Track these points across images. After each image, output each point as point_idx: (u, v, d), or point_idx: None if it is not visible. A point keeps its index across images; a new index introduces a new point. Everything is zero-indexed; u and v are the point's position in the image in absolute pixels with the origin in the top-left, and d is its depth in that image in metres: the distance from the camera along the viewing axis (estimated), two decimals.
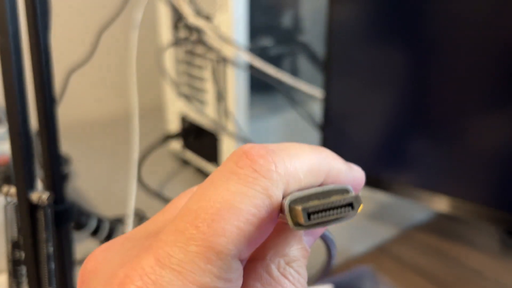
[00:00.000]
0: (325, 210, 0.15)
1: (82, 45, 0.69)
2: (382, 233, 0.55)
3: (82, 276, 0.17)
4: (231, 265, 0.16)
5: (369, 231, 0.55)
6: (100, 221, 0.51)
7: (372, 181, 0.53)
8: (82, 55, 0.64)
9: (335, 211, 0.15)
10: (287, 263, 0.18)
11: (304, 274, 0.18)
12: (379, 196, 0.61)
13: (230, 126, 0.62)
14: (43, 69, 0.30)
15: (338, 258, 0.50)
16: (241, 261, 0.16)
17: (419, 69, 0.47)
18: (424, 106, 0.47)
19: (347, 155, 0.53)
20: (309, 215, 0.15)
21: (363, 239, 0.53)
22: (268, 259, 0.18)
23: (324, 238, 0.24)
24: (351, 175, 0.19)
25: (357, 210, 0.15)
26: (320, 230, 0.20)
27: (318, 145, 0.62)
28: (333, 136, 0.54)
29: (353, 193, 0.16)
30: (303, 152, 0.18)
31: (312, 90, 0.62)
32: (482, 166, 0.45)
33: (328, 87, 0.53)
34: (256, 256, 0.18)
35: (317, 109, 0.63)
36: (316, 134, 0.63)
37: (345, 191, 0.16)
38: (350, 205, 0.15)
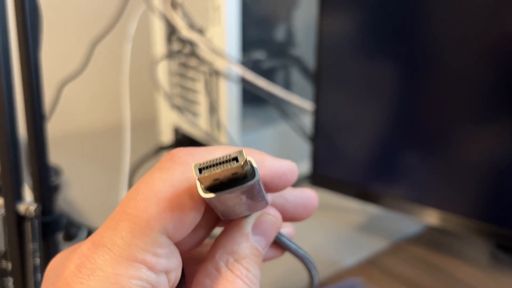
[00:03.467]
0: (213, 165, 0.17)
1: (76, 56, 0.69)
2: (372, 245, 0.55)
3: (44, 276, 0.19)
4: (157, 239, 0.17)
5: (359, 243, 0.55)
6: (90, 232, 0.51)
7: (362, 194, 0.53)
8: (75, 66, 0.65)
9: (222, 165, 0.17)
10: (236, 260, 0.20)
11: (255, 272, 0.20)
12: (369, 209, 0.62)
13: (223, 138, 0.62)
14: (33, 81, 0.30)
15: (328, 270, 0.50)
16: (172, 239, 0.18)
17: (409, 82, 0.47)
18: (414, 120, 0.48)
19: (337, 167, 0.54)
20: (200, 171, 0.17)
21: (353, 251, 0.54)
22: (217, 257, 0.20)
23: (302, 259, 0.24)
24: (277, 164, 0.21)
25: (242, 164, 0.17)
26: (270, 229, 0.21)
27: (309, 157, 0.61)
28: (323, 148, 0.55)
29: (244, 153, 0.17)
30: (223, 148, 0.20)
31: (304, 103, 0.62)
32: (472, 180, 0.46)
33: (318, 99, 0.54)
34: (207, 257, 0.20)
35: (308, 122, 0.63)
36: (307, 146, 0.64)
37: (238, 152, 0.17)
38: (235, 159, 0.17)
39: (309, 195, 0.24)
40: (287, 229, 0.26)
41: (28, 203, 0.30)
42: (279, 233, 0.23)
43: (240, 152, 0.17)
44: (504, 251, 0.52)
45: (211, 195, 0.17)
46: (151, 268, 0.17)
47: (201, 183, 0.17)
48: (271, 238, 0.22)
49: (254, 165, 0.18)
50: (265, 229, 0.21)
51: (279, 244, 0.24)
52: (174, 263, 0.18)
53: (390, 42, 0.48)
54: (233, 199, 0.18)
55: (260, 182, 0.18)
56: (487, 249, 0.54)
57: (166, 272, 0.18)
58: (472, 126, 0.45)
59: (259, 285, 0.20)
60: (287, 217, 0.24)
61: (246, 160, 0.17)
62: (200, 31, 0.61)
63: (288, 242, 0.24)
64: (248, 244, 0.20)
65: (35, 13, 0.31)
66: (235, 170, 0.17)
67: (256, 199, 0.19)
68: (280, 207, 0.23)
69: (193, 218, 0.18)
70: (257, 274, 0.20)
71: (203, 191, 0.17)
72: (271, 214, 0.22)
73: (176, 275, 0.19)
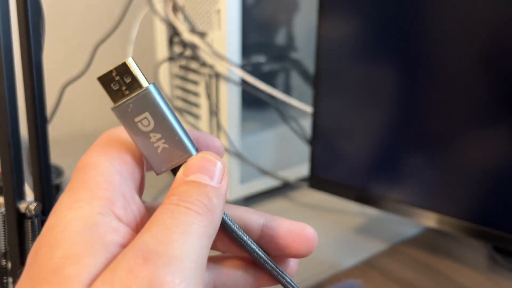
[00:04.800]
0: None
1: (79, 58, 0.70)
2: (371, 247, 0.55)
3: None
4: (105, 176, 0.18)
5: (357, 245, 0.55)
6: None
7: (360, 197, 0.53)
8: (78, 68, 0.65)
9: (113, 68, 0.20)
10: (173, 194, 0.19)
11: (189, 197, 0.19)
12: (368, 210, 0.62)
13: (223, 140, 0.62)
14: (35, 81, 0.31)
15: (327, 272, 0.51)
16: (122, 175, 0.19)
17: (407, 87, 0.48)
18: (412, 123, 0.48)
19: (336, 170, 0.54)
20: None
21: (352, 253, 0.54)
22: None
23: None
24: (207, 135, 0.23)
25: (123, 62, 0.20)
26: (205, 164, 0.20)
27: (308, 160, 0.61)
28: (322, 151, 0.55)
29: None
30: None
31: (303, 106, 0.63)
32: (470, 183, 0.46)
33: (316, 103, 0.54)
34: None
35: (308, 125, 0.64)
36: (307, 149, 0.64)
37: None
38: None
39: (305, 225, 0.23)
40: (291, 267, 0.25)
41: (28, 201, 0.30)
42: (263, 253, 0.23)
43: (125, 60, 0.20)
44: (502, 254, 0.53)
45: (114, 105, 0.20)
46: (89, 190, 0.18)
47: (109, 94, 0.20)
48: (213, 172, 0.20)
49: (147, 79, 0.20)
50: (198, 166, 0.20)
51: (269, 273, 0.23)
52: (128, 207, 0.19)
53: (389, 46, 0.48)
54: (140, 119, 0.20)
55: (159, 100, 0.20)
56: (485, 252, 0.54)
57: (111, 208, 0.18)
58: (470, 130, 0.45)
59: (214, 213, 0.19)
60: (284, 248, 0.23)
61: (127, 62, 0.20)
62: (201, 35, 0.62)
63: (277, 273, 0.23)
64: (181, 186, 0.19)
65: (38, 14, 0.31)
66: (120, 68, 0.20)
67: (167, 129, 0.20)
68: (273, 231, 0.23)
69: (131, 157, 0.20)
70: (197, 199, 0.18)
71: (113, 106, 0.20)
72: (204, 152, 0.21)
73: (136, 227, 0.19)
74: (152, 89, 0.20)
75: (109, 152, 0.20)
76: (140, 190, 0.21)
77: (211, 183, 0.19)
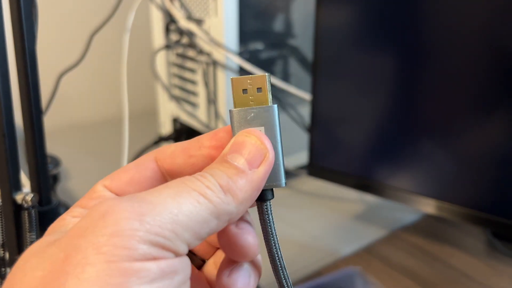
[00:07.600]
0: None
1: (74, 47, 0.69)
2: (370, 234, 0.55)
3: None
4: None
5: (356, 232, 0.56)
6: None
7: (359, 184, 0.53)
8: (74, 57, 0.64)
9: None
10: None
11: (220, 179, 0.18)
12: (367, 197, 0.62)
13: None
14: (29, 71, 0.30)
15: (326, 259, 0.51)
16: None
17: (406, 73, 0.47)
18: (411, 110, 0.48)
19: (335, 158, 0.54)
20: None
21: (351, 240, 0.54)
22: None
23: None
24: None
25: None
26: (247, 146, 0.20)
27: (307, 148, 0.61)
28: (321, 138, 0.55)
29: None
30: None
31: (302, 93, 0.62)
32: (468, 169, 0.46)
33: (315, 91, 0.54)
34: None
35: (307, 112, 0.63)
36: (306, 137, 0.64)
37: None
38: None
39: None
40: None
41: (25, 192, 0.30)
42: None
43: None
44: (500, 240, 0.53)
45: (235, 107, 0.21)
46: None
47: (235, 97, 0.21)
48: (253, 157, 0.19)
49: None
50: (240, 147, 0.19)
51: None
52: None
53: (388, 32, 0.47)
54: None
55: (277, 121, 0.20)
56: (484, 238, 0.54)
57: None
58: (468, 117, 0.45)
59: (231, 201, 0.18)
60: None
61: (266, 76, 0.20)
62: (198, 22, 0.61)
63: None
64: (219, 162, 0.19)
65: (31, 3, 0.31)
66: (257, 79, 0.20)
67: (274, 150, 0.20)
68: None
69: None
70: (223, 182, 0.18)
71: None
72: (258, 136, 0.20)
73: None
74: (276, 108, 0.20)
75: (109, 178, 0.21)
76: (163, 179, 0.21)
77: (243, 165, 0.19)
